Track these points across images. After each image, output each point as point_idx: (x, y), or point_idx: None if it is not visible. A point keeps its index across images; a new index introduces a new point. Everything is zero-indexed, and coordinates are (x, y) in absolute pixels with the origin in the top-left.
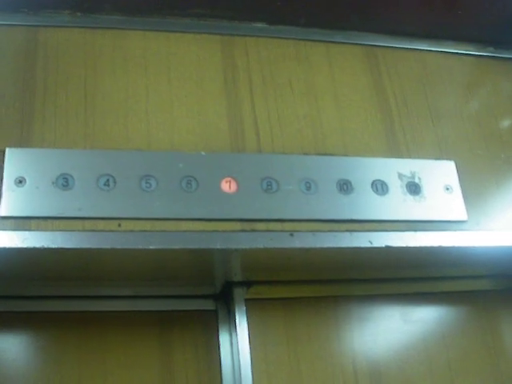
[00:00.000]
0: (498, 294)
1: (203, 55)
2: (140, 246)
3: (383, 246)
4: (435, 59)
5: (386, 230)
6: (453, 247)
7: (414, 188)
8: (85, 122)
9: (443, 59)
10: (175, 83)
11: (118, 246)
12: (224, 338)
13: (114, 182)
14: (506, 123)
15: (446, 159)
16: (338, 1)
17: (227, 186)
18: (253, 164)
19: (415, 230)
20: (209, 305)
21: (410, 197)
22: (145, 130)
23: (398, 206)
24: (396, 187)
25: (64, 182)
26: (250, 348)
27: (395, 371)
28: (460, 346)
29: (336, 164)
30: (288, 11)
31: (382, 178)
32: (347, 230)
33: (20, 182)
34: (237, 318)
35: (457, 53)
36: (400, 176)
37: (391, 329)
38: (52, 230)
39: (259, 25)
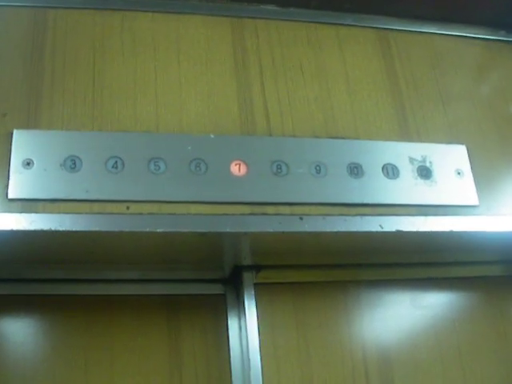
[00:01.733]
0: (509, 280)
1: (213, 37)
2: (148, 229)
3: (394, 230)
4: (446, 43)
5: (397, 215)
6: (464, 232)
7: (425, 172)
8: (93, 104)
9: (454, 43)
10: (184, 65)
11: (126, 229)
12: (233, 323)
13: (123, 165)
14: None
15: (457, 143)
16: None
17: (237, 168)
18: (263, 147)
19: (426, 215)
20: (218, 289)
21: (420, 181)
22: (153, 112)
23: (408, 190)
24: (407, 171)
25: (72, 164)
26: (259, 332)
27: (405, 357)
28: (470, 332)
29: (347, 147)
30: None
31: (392, 162)
32: (358, 214)
33: (28, 164)
34: (246, 302)
35: (468, 36)
36: (411, 160)
37: (401, 314)
38: (60, 213)
39: (269, 7)
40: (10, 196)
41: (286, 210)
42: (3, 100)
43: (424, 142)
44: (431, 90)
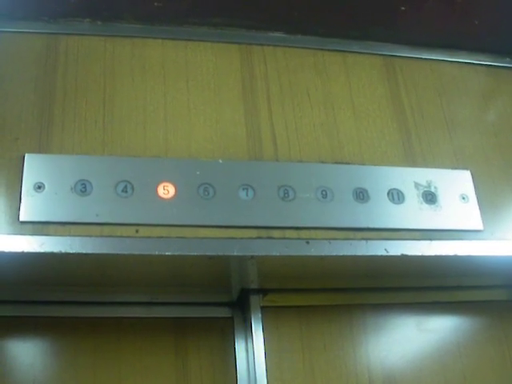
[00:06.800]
0: None
1: (221, 64)
2: (157, 252)
3: (399, 254)
4: (452, 69)
5: (402, 239)
6: (468, 256)
7: (429, 197)
8: (103, 129)
9: (460, 70)
10: (193, 91)
11: (136, 252)
12: (240, 345)
13: (132, 189)
14: None
15: (462, 169)
16: (355, 11)
17: (244, 193)
18: (270, 172)
19: (431, 239)
20: (225, 312)
21: (425, 206)
22: (163, 138)
23: (413, 214)
24: (412, 196)
25: (82, 187)
26: (266, 355)
27: (410, 380)
28: (475, 356)
29: (352, 172)
30: (306, 21)
31: (398, 187)
32: (363, 239)
33: (39, 187)
34: (253, 325)
35: (473, 63)
36: (416, 185)
37: (406, 338)
38: (70, 236)
39: (277, 34)
40: (22, 218)
41: (293, 234)
42: (15, 124)
43: (429, 167)
44: (436, 115)
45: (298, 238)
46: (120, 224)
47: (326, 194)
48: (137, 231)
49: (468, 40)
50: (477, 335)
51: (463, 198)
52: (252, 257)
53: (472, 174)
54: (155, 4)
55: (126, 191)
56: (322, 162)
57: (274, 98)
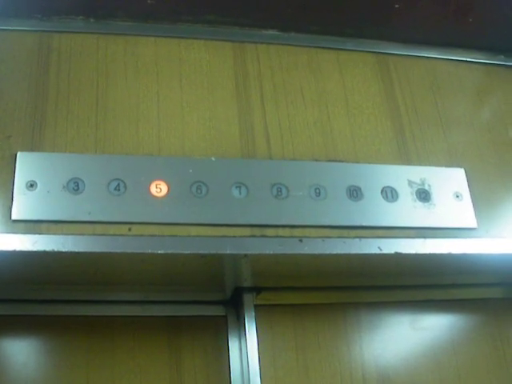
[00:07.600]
0: (508, 302)
1: (214, 62)
2: (149, 251)
3: (393, 252)
4: (446, 67)
5: (396, 237)
6: (462, 254)
7: (423, 195)
8: (96, 127)
9: (454, 67)
10: (186, 89)
11: (128, 250)
12: (233, 344)
13: (125, 187)
14: None
15: (456, 166)
16: (349, 9)
17: (237, 191)
18: (263, 170)
19: (425, 237)
20: (219, 310)
21: (419, 204)
22: (155, 136)
23: (407, 212)
24: (406, 194)
25: (75, 186)
26: (259, 354)
27: (404, 378)
28: (469, 354)
29: (346, 170)
30: (300, 19)
31: (391, 185)
32: (357, 237)
33: (31, 185)
34: (246, 323)
35: (467, 61)
36: (410, 183)
37: (400, 336)
38: (62, 234)
39: (271, 32)
40: (14, 217)
41: (286, 232)
42: (8, 122)
43: (423, 165)
44: (430, 113)
45: (292, 237)
46: (112, 222)
47: (320, 192)
48: (129, 229)
49: (462, 37)
50: (471, 333)
51: (457, 196)
52: (245, 255)
53: (466, 172)
54: (148, 1)
55: (119, 189)
56: (316, 160)
57: (267, 96)
